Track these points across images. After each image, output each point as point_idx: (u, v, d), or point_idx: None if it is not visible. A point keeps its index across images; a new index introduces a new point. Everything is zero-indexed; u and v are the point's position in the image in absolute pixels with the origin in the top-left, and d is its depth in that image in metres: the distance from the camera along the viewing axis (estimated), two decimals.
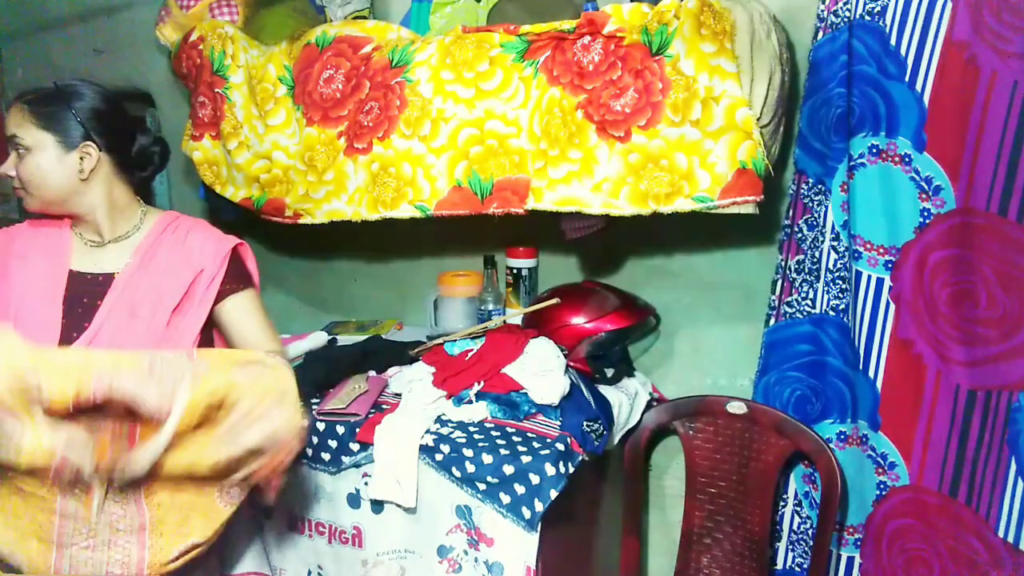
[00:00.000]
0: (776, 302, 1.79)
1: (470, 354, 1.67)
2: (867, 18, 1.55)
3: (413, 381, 1.69)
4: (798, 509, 1.82)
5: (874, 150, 1.57)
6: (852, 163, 1.60)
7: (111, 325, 1.33)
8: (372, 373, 1.81)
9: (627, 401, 1.79)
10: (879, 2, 1.53)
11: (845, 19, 1.58)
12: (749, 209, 1.50)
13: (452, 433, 1.52)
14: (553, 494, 1.39)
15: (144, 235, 1.42)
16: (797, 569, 1.82)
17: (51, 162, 1.34)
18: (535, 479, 1.40)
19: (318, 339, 2.04)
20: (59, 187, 1.36)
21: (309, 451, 1.60)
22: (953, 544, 1.57)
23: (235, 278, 1.45)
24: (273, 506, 1.42)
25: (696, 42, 1.47)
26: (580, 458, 1.48)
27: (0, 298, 1.33)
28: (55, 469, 1.08)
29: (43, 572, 1.21)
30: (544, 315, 1.79)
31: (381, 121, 1.74)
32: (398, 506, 1.53)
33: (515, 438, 1.49)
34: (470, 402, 1.60)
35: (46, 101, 1.35)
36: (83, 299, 1.35)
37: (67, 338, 1.32)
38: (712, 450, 1.83)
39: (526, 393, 1.59)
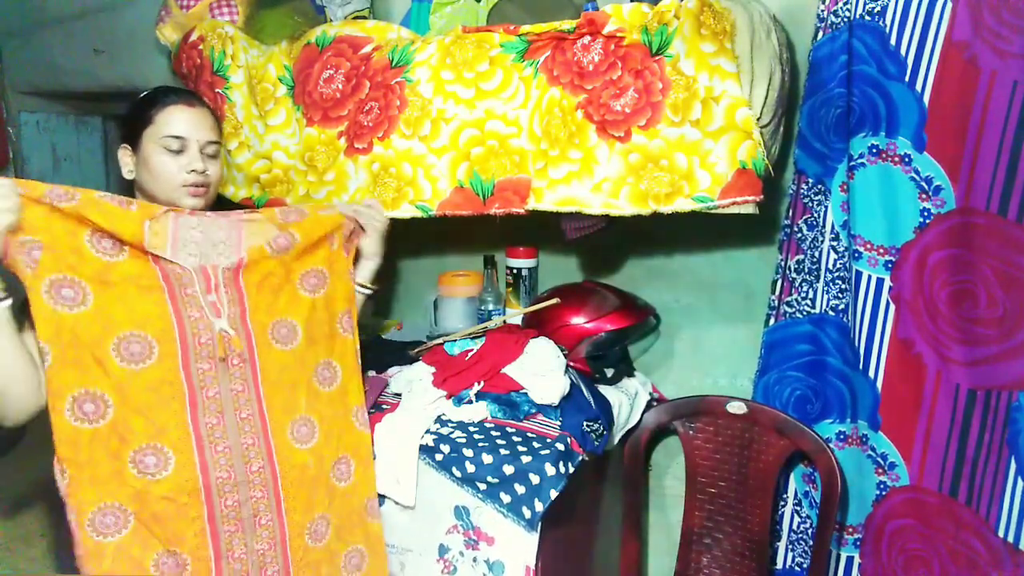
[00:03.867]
0: (776, 302, 1.79)
1: (470, 354, 1.67)
2: (867, 18, 1.55)
3: (413, 381, 1.69)
4: (798, 509, 1.82)
5: (874, 150, 1.57)
6: (852, 163, 1.60)
7: None
8: (372, 373, 1.81)
9: (627, 401, 1.79)
10: (879, 2, 1.53)
11: (845, 19, 1.58)
12: (749, 209, 1.50)
13: (452, 433, 1.52)
14: (553, 494, 1.39)
15: None
16: (797, 569, 1.82)
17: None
18: (535, 479, 1.40)
19: None
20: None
21: None
22: (953, 544, 1.57)
23: None
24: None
25: (696, 42, 1.47)
26: (580, 458, 1.48)
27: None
28: None
29: None
30: (544, 315, 1.79)
31: (381, 121, 1.74)
32: (397, 504, 1.54)
33: (515, 438, 1.49)
34: (470, 402, 1.60)
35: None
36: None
37: None
38: (712, 450, 1.83)
39: (526, 393, 1.59)
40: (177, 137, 1.40)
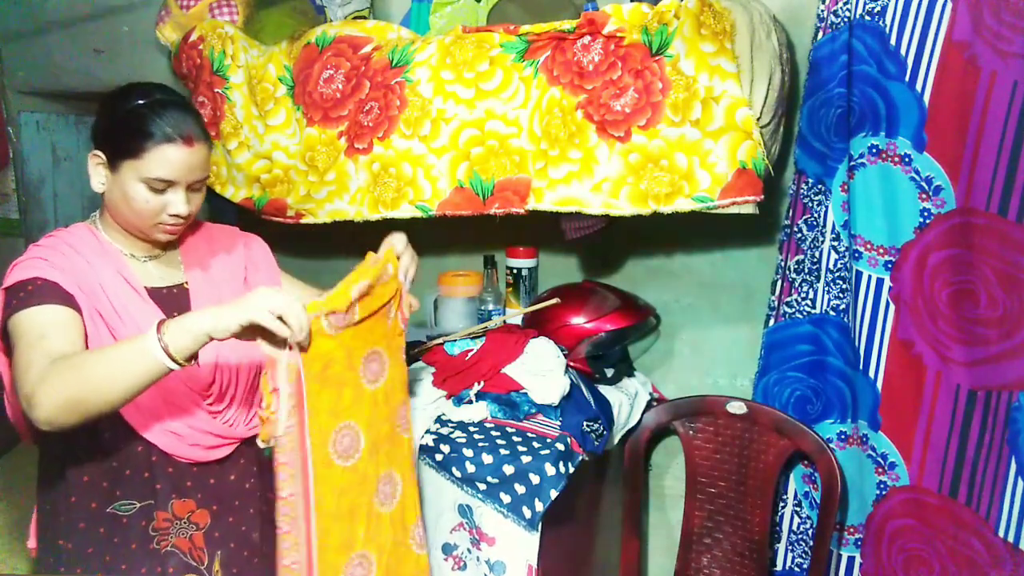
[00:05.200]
0: (776, 302, 1.79)
1: (470, 354, 1.67)
2: (867, 18, 1.55)
3: (413, 381, 1.69)
4: (798, 509, 1.82)
5: (874, 150, 1.57)
6: (852, 163, 1.60)
7: None
8: None
9: (627, 401, 1.79)
10: (879, 2, 1.53)
11: (845, 19, 1.58)
12: (749, 209, 1.50)
13: (452, 433, 1.52)
14: (553, 494, 1.39)
15: (184, 245, 1.35)
16: (797, 569, 1.82)
17: None
18: (535, 479, 1.40)
19: None
20: None
21: None
22: (953, 544, 1.57)
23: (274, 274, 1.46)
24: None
25: (696, 42, 1.47)
26: (580, 458, 1.48)
27: (93, 308, 1.20)
28: None
29: None
30: (544, 315, 1.79)
31: (381, 121, 1.74)
32: None
33: (515, 438, 1.49)
34: (470, 402, 1.60)
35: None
36: (172, 313, 1.23)
37: None
38: (712, 450, 1.83)
39: (526, 393, 1.59)
40: (166, 180, 1.19)
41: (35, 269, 1.17)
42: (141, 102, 1.21)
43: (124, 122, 1.19)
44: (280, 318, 0.99)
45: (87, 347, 1.15)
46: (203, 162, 1.24)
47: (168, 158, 1.18)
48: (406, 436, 1.26)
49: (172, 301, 1.27)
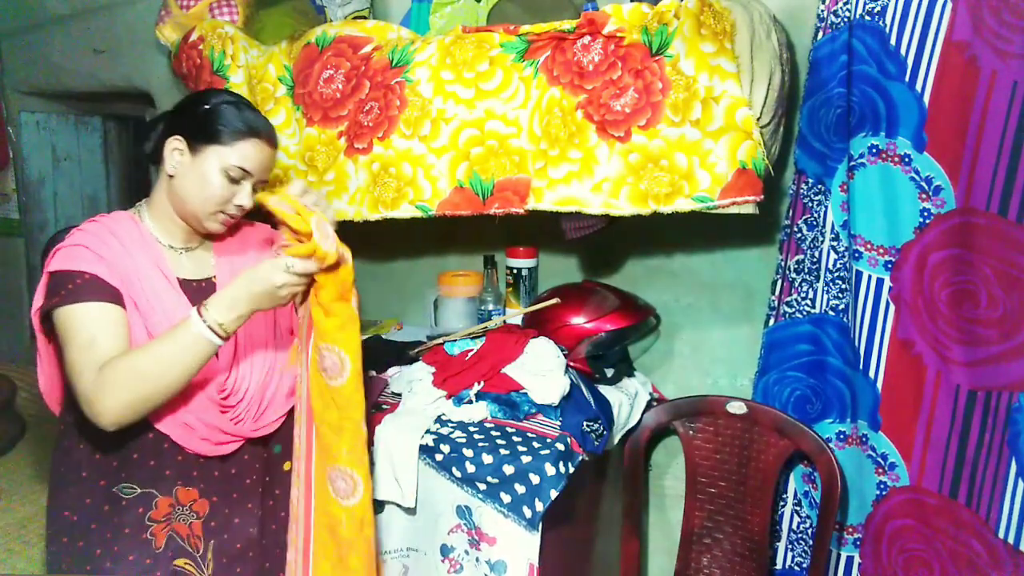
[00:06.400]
0: (776, 302, 1.79)
1: (470, 354, 1.67)
2: (867, 18, 1.55)
3: (413, 381, 1.69)
4: (798, 509, 1.82)
5: (874, 150, 1.57)
6: (852, 163, 1.60)
7: (244, 329, 1.31)
8: (372, 373, 1.81)
9: (627, 401, 1.79)
10: (879, 2, 1.53)
11: (845, 19, 1.58)
12: (749, 209, 1.50)
13: (452, 433, 1.52)
14: (553, 494, 1.39)
15: (217, 240, 1.41)
16: (797, 569, 1.82)
17: None
18: (535, 479, 1.40)
19: None
20: None
21: None
22: (953, 545, 1.57)
23: None
24: None
25: (696, 42, 1.47)
26: (580, 458, 1.48)
27: (130, 295, 1.26)
28: None
29: None
30: (544, 315, 1.79)
31: (381, 121, 1.74)
32: (398, 506, 1.53)
33: (515, 438, 1.49)
34: (470, 402, 1.60)
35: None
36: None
37: None
38: (712, 450, 1.83)
39: (526, 393, 1.59)
40: (245, 171, 1.28)
41: (80, 260, 1.22)
42: (231, 99, 1.32)
43: (216, 112, 1.29)
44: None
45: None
46: (272, 165, 1.35)
47: (252, 152, 1.29)
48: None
49: (200, 293, 1.33)
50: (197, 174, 1.28)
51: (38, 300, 1.23)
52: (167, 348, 1.16)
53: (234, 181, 1.28)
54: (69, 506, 1.28)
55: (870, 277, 1.61)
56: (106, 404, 1.14)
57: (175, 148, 1.29)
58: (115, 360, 1.15)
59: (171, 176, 1.30)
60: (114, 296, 1.21)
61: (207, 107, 1.29)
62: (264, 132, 1.30)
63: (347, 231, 1.90)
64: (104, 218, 1.32)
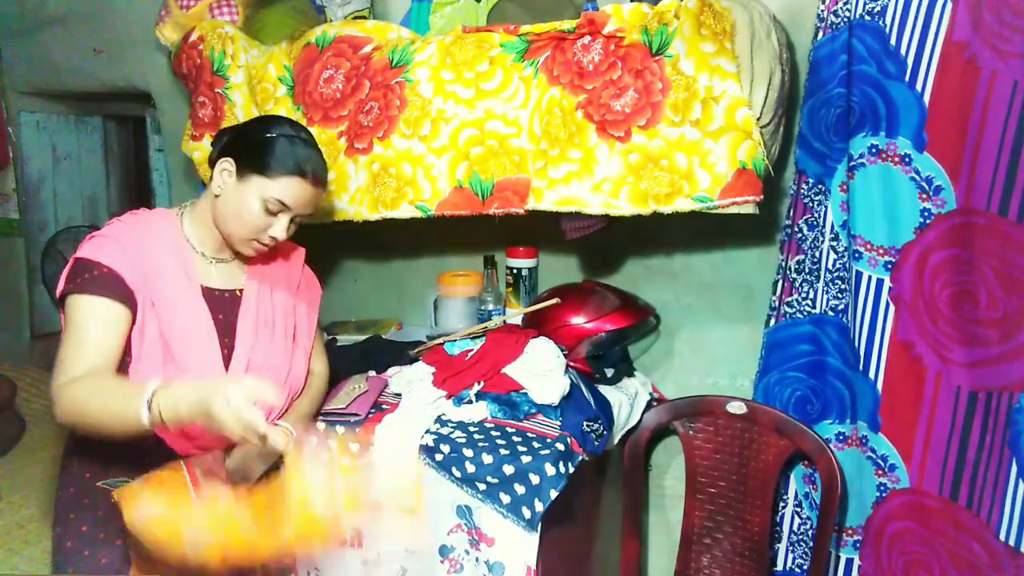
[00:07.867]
0: (776, 302, 1.79)
1: (470, 354, 1.67)
2: (867, 18, 1.55)
3: (413, 381, 1.69)
4: (798, 510, 1.82)
5: (874, 150, 1.57)
6: (852, 163, 1.60)
7: (260, 343, 1.36)
8: (372, 373, 1.81)
9: (627, 401, 1.79)
10: (879, 2, 1.53)
11: (845, 19, 1.58)
12: (749, 209, 1.50)
13: (452, 433, 1.51)
14: (553, 494, 1.39)
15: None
16: (797, 570, 1.82)
17: None
18: (535, 479, 1.40)
19: None
20: None
21: None
22: (953, 547, 1.57)
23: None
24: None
25: (696, 42, 1.47)
26: (580, 458, 1.48)
27: (149, 293, 1.27)
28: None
29: None
30: (544, 315, 1.79)
31: (381, 121, 1.74)
32: (398, 506, 1.53)
33: (515, 438, 1.49)
34: (470, 402, 1.60)
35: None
36: (218, 315, 1.35)
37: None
38: (712, 450, 1.82)
39: (526, 393, 1.59)
40: (284, 205, 1.30)
41: (103, 252, 1.25)
42: (290, 133, 1.33)
43: (269, 143, 1.30)
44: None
45: (133, 333, 1.25)
46: (316, 202, 1.37)
47: (294, 189, 1.30)
48: None
49: (223, 304, 1.36)
50: (238, 199, 1.30)
51: (60, 284, 1.26)
52: (114, 402, 1.11)
53: (272, 213, 1.30)
54: (80, 486, 1.32)
55: (870, 277, 1.61)
56: (58, 412, 1.17)
57: (224, 169, 1.31)
58: (80, 383, 1.15)
59: (216, 195, 1.33)
60: (124, 296, 1.23)
61: (263, 136, 1.31)
62: (311, 172, 1.31)
63: (347, 231, 1.91)
64: (145, 212, 1.36)
